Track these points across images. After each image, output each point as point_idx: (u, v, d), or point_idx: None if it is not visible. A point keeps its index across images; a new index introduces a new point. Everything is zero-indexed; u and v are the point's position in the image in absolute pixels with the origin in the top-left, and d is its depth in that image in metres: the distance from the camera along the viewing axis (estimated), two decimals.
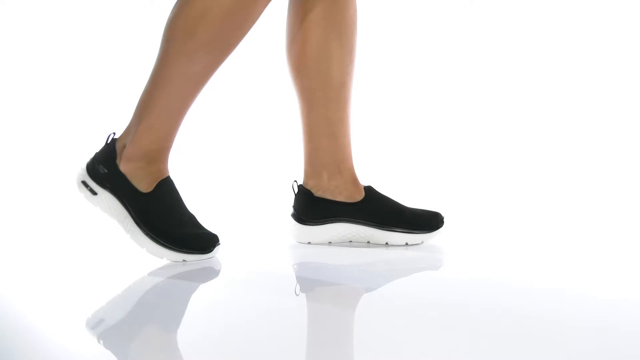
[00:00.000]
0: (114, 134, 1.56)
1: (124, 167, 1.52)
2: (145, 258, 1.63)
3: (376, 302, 1.34)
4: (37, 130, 2.76)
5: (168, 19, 1.49)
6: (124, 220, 1.52)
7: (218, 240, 1.53)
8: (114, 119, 2.75)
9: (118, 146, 1.54)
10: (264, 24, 1.59)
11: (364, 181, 1.70)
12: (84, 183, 1.55)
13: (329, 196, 1.66)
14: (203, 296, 1.41)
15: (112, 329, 1.21)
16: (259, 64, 2.80)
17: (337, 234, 1.68)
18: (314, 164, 1.67)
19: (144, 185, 1.52)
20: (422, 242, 1.65)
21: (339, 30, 1.63)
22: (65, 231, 1.90)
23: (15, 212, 2.12)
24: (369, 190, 1.67)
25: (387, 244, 1.64)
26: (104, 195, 1.54)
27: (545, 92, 2.76)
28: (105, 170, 1.53)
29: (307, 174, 1.68)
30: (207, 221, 1.62)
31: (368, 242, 1.65)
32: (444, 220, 1.66)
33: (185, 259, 1.51)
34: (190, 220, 1.54)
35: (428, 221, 1.65)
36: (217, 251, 1.54)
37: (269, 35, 2.04)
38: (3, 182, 2.46)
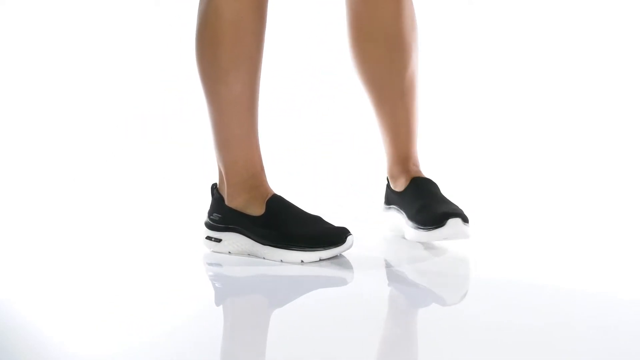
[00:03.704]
0: (216, 184, 1.61)
1: (232, 204, 1.57)
2: (145, 258, 1.63)
3: (376, 303, 1.34)
4: (37, 130, 2.76)
5: (195, 57, 1.53)
6: (252, 248, 1.55)
7: (348, 231, 1.51)
8: (115, 119, 2.77)
9: (221, 190, 1.59)
10: (278, 26, 1.57)
11: (364, 180, 1.68)
12: (208, 238, 1.60)
13: None
14: (203, 297, 1.41)
15: (112, 329, 1.21)
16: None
17: None
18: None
19: (256, 210, 1.55)
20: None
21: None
22: (65, 231, 1.90)
23: (15, 212, 2.12)
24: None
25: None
26: (227, 237, 1.58)
27: (547, 92, 2.75)
28: (219, 215, 1.58)
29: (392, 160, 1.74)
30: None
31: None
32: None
33: (320, 257, 1.50)
34: (313, 220, 1.53)
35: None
36: (351, 242, 1.50)
37: (274, 36, 2.03)
38: (3, 182, 2.46)
